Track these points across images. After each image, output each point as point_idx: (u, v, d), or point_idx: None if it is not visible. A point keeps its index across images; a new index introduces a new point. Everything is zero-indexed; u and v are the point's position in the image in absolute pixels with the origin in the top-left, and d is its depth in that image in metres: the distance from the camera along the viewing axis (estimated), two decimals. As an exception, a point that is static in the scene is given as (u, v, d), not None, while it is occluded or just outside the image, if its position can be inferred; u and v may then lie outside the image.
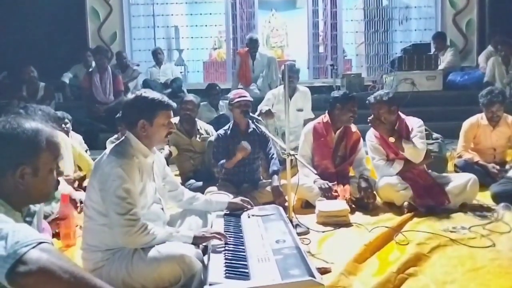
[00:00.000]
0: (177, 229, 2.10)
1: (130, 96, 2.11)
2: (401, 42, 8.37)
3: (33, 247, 1.04)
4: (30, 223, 1.41)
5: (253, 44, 6.45)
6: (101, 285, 1.08)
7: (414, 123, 3.42)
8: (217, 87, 5.34)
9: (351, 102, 3.52)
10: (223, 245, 1.96)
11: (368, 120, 3.41)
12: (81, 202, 2.99)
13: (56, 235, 2.78)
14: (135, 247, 1.93)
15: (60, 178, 3.13)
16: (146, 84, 6.29)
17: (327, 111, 3.65)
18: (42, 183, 1.34)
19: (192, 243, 2.01)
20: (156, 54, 6.97)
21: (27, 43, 6.91)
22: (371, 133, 3.55)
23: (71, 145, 3.77)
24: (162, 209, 2.21)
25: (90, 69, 6.52)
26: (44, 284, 1.03)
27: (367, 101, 3.48)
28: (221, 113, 5.08)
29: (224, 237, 2.00)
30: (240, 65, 6.53)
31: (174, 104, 2.17)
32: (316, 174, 3.26)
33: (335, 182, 3.42)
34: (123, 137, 2.12)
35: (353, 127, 3.64)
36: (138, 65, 7.35)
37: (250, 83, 6.46)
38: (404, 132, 3.38)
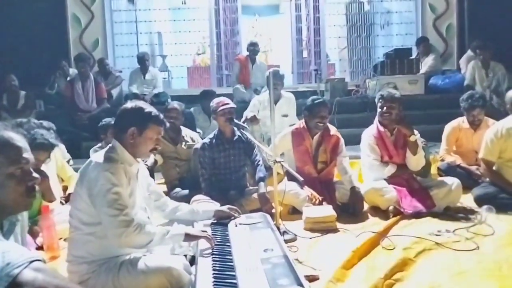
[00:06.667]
0: (168, 228, 2.07)
1: (129, 103, 2.12)
2: (383, 46, 8.45)
3: (26, 267, 1.01)
4: (10, 233, 1.36)
5: (253, 47, 6.56)
6: None
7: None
8: (214, 94, 5.20)
9: (317, 108, 3.48)
10: (211, 256, 1.94)
11: (382, 112, 3.42)
12: None
13: (39, 248, 2.74)
14: (132, 247, 1.92)
15: (57, 197, 3.08)
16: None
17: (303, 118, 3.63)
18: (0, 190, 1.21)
19: (184, 241, 2.04)
20: (144, 61, 6.61)
21: (7, 50, 6.77)
22: (370, 132, 3.54)
23: (54, 155, 3.70)
24: (148, 217, 2.19)
25: (68, 78, 6.41)
26: None
27: (379, 95, 3.48)
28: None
29: (212, 241, 2.03)
30: (240, 70, 6.60)
31: (167, 124, 2.30)
32: (301, 180, 3.26)
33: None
34: (108, 146, 2.09)
35: (332, 130, 3.62)
36: (120, 71, 7.26)
37: (249, 87, 6.48)
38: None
